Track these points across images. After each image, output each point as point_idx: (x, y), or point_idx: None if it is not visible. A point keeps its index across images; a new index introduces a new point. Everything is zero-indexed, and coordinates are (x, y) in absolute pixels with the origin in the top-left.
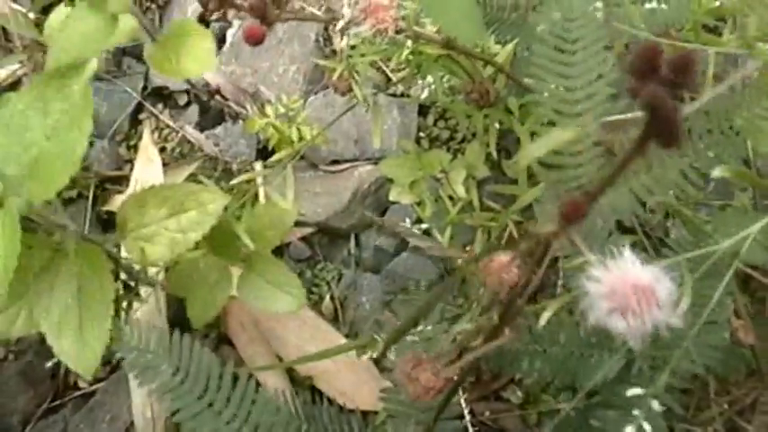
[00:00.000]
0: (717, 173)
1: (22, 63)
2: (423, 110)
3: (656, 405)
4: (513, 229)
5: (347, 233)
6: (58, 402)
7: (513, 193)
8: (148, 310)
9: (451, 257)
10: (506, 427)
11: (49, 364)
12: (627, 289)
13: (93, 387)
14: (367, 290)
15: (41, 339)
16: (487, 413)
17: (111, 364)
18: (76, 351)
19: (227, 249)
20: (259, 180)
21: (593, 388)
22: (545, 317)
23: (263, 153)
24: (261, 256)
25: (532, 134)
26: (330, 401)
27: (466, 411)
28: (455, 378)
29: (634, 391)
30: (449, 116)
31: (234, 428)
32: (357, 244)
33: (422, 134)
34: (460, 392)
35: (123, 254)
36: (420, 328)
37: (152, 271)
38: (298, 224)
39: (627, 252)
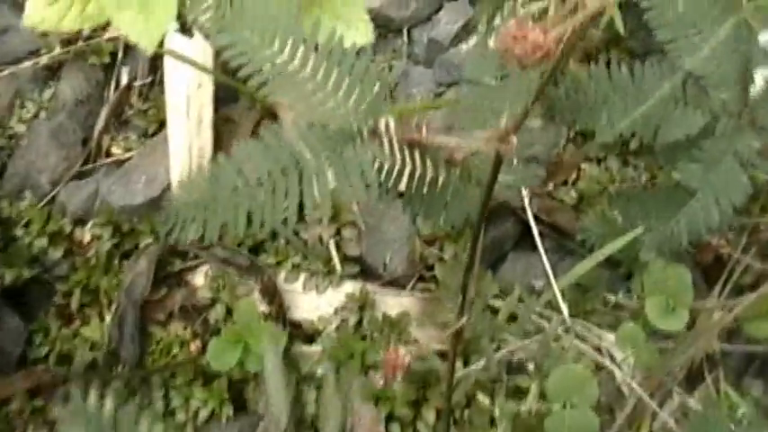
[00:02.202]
0: None
1: None
2: None
3: None
4: None
5: (399, 26)
6: (90, 167)
7: None
8: None
9: None
10: (559, 222)
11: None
12: None
13: (127, 155)
14: (417, 81)
15: (75, 101)
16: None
17: (146, 135)
18: (140, 20)
19: None
20: None
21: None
22: None
23: None
24: None
25: None
26: None
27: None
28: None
29: None
30: None
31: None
32: (409, 39)
33: None
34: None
35: None
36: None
37: None
38: None
39: None
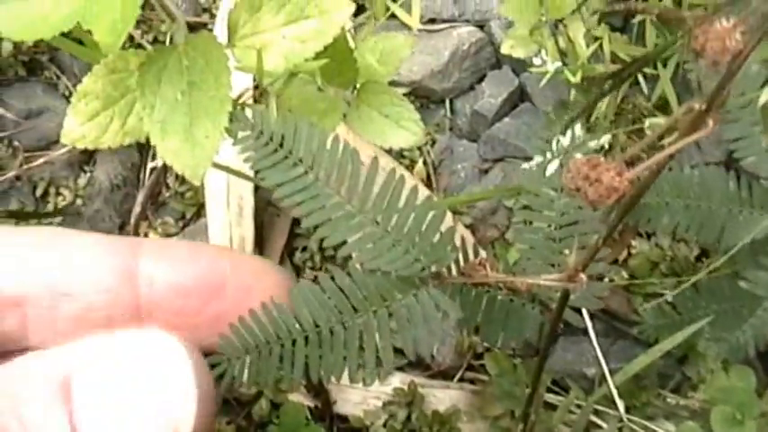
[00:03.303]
0: None
1: None
2: None
3: None
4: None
5: (441, 98)
6: None
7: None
8: None
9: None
10: (611, 305)
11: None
12: None
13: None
14: (462, 157)
15: (111, 186)
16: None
17: (184, 219)
18: (185, 151)
19: (340, 75)
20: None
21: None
22: None
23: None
24: (375, 86)
25: None
26: None
27: None
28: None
29: None
30: None
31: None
32: (452, 110)
33: None
34: None
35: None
36: (596, 140)
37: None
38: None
39: None
